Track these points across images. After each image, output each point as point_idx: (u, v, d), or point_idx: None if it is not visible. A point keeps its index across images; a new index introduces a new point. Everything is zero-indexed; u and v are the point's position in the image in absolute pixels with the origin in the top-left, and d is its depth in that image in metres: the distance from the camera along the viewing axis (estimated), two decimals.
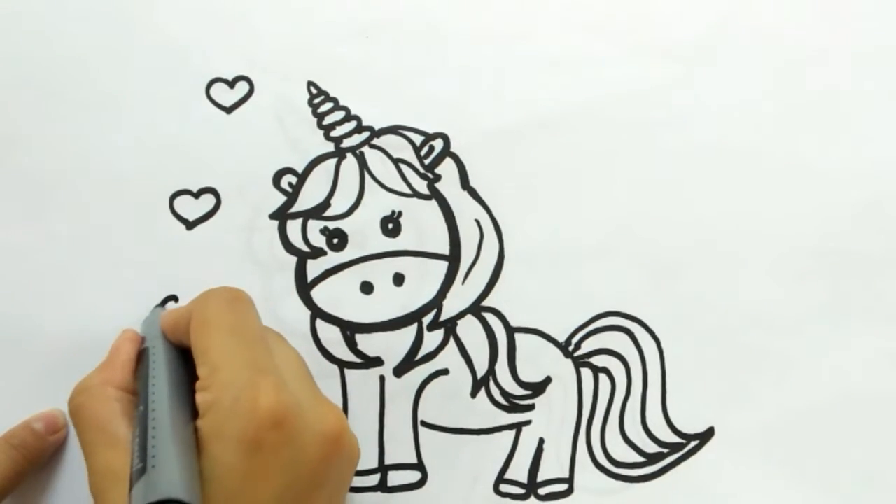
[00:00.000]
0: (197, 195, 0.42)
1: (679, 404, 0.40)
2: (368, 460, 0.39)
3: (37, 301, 0.41)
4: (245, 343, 0.31)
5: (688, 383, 0.40)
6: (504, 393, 0.40)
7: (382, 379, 0.40)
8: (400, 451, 0.39)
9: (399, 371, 0.40)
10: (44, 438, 0.39)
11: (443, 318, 0.40)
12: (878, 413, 0.40)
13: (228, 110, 0.43)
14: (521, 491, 0.39)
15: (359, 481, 0.39)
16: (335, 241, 0.41)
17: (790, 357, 0.40)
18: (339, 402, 0.40)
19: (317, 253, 0.41)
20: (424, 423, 0.39)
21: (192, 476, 0.27)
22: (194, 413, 0.30)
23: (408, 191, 0.42)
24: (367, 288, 0.41)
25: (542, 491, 0.39)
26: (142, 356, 0.35)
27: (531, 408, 0.40)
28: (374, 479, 0.39)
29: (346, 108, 0.43)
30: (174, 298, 0.41)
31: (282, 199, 0.42)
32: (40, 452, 0.38)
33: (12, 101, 0.44)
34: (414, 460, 0.39)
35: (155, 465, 0.27)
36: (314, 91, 0.43)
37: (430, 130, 0.43)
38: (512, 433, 0.40)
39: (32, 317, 0.41)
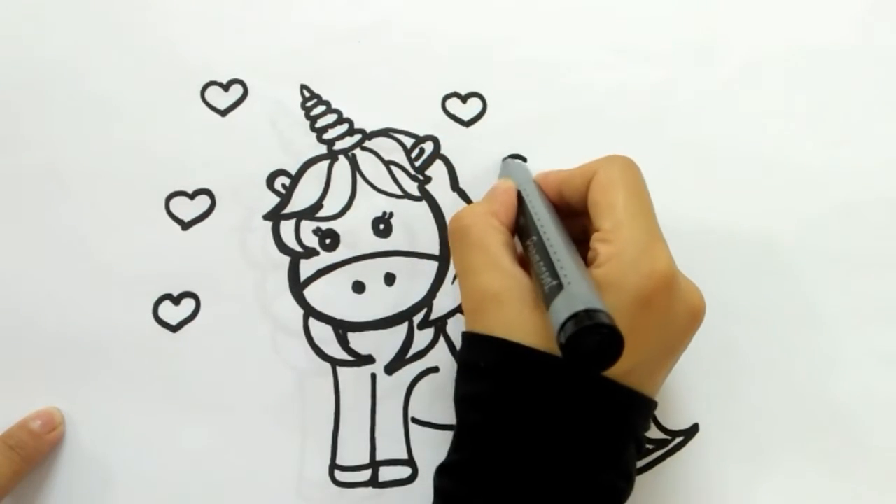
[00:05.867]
0: (192, 196, 0.43)
1: (665, 401, 0.40)
2: (360, 456, 0.40)
3: (33, 300, 0.42)
4: (646, 208, 0.33)
5: (673, 381, 0.40)
6: None
7: (374, 377, 0.40)
8: (391, 447, 0.40)
9: (390, 369, 0.40)
10: (41, 437, 0.39)
11: (433, 316, 0.41)
12: (862, 411, 0.40)
13: (223, 113, 0.44)
14: None
15: (350, 477, 0.39)
16: (328, 241, 0.42)
17: (774, 355, 0.41)
18: (331, 399, 0.40)
19: (310, 253, 0.42)
20: (415, 420, 0.40)
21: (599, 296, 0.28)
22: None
23: (399, 192, 0.42)
24: (358, 287, 0.41)
25: None
26: (523, 201, 0.36)
27: None
28: (365, 475, 0.39)
29: (338, 111, 0.44)
30: (169, 297, 0.41)
31: (275, 200, 0.42)
32: (38, 452, 0.39)
33: (10, 103, 0.44)
34: (405, 456, 0.40)
35: (570, 281, 0.28)
36: (307, 94, 0.44)
37: (421, 133, 0.43)
38: None
39: (28, 315, 0.41)
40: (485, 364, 0.32)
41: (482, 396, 0.32)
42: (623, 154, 0.35)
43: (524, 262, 0.34)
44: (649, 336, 0.30)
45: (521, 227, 0.35)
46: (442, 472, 0.33)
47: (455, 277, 0.41)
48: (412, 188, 0.42)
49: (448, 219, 0.42)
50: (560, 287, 0.28)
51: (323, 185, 0.43)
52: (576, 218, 0.35)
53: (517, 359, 0.31)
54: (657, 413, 0.40)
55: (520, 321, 0.31)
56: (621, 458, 0.32)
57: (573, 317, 0.26)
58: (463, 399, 0.33)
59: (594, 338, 0.26)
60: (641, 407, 0.32)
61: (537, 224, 0.33)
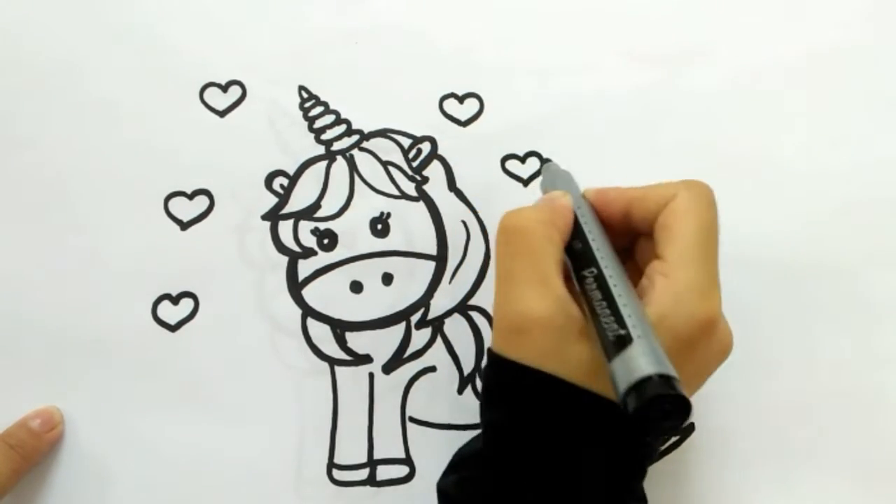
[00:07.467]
0: (191, 197, 0.43)
1: None
2: (358, 455, 0.40)
3: (33, 299, 0.42)
4: (713, 247, 0.31)
5: None
6: None
7: (371, 376, 0.41)
8: (389, 446, 0.40)
9: (388, 368, 0.41)
10: (40, 436, 0.39)
11: (430, 316, 0.41)
12: (861, 411, 0.40)
13: (221, 114, 0.44)
14: None
15: (348, 475, 0.40)
16: (325, 241, 0.42)
17: (772, 355, 0.41)
18: (329, 398, 0.40)
19: (308, 253, 0.42)
20: (412, 419, 0.40)
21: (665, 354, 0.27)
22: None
23: (396, 192, 0.43)
24: (356, 287, 0.41)
25: None
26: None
27: None
28: (363, 474, 0.40)
29: (336, 112, 0.44)
30: (168, 297, 0.42)
31: (274, 200, 0.43)
32: (37, 451, 0.39)
33: (12, 104, 0.44)
34: (402, 455, 0.40)
35: (639, 334, 0.27)
36: (305, 95, 0.44)
37: (419, 134, 0.44)
38: None
39: (28, 315, 0.42)
40: (516, 394, 0.30)
41: (506, 425, 0.31)
42: (703, 181, 0.33)
43: (569, 285, 0.31)
44: (683, 375, 0.29)
45: (574, 251, 0.32)
46: (463, 485, 0.33)
47: (453, 277, 0.42)
48: (410, 188, 0.43)
49: (445, 219, 0.42)
50: (628, 339, 0.27)
51: (321, 186, 0.43)
52: (622, 233, 0.34)
53: (552, 394, 0.29)
54: None
55: (558, 351, 0.29)
56: (639, 484, 0.32)
57: (645, 380, 0.26)
58: (489, 425, 0.32)
59: (662, 404, 0.26)
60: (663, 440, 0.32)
61: (597, 255, 0.31)
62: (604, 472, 0.30)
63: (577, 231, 0.33)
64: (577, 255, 0.32)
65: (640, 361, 0.26)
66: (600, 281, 0.30)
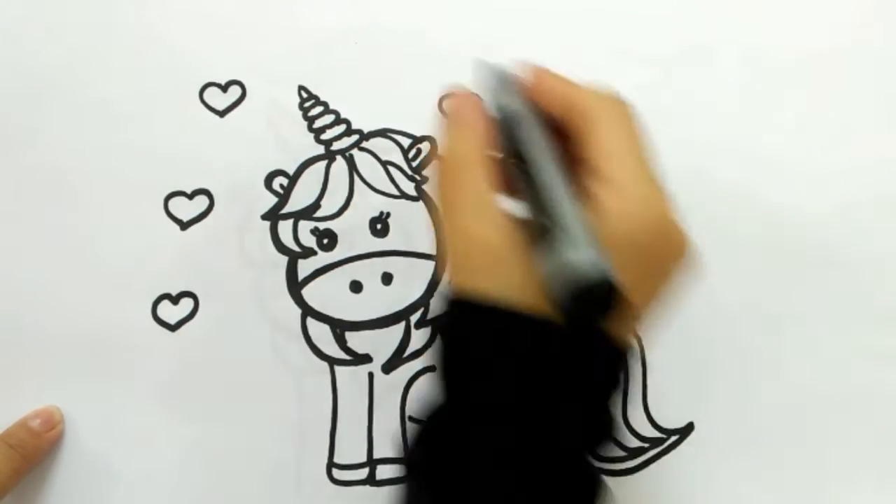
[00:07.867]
0: (191, 196, 0.43)
1: (660, 400, 0.40)
2: (357, 455, 0.40)
3: (33, 299, 0.42)
4: (645, 150, 0.30)
5: (668, 380, 0.40)
6: None
7: (371, 375, 0.41)
8: (388, 445, 0.40)
9: (387, 368, 0.41)
10: (40, 436, 0.39)
11: (430, 316, 0.41)
12: (860, 411, 0.40)
13: (221, 114, 0.44)
14: None
15: (348, 475, 0.40)
16: (325, 241, 0.42)
17: (768, 354, 0.41)
18: (328, 398, 0.40)
19: (307, 253, 0.42)
20: (412, 419, 0.40)
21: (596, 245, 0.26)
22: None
23: (396, 192, 0.43)
24: (356, 287, 0.42)
25: None
26: (505, 120, 0.32)
27: None
28: (362, 473, 0.40)
29: (335, 112, 0.44)
30: (168, 297, 0.42)
31: (273, 200, 0.43)
32: (37, 450, 0.39)
33: (12, 104, 0.45)
34: (402, 455, 0.40)
35: (569, 233, 0.26)
36: (305, 95, 0.44)
37: (418, 133, 0.44)
38: None
39: (28, 315, 0.42)
40: (468, 331, 0.29)
41: (468, 367, 0.29)
42: (618, 99, 0.32)
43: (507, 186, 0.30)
44: (641, 285, 0.28)
45: (513, 162, 0.30)
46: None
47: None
48: (409, 188, 0.43)
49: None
50: (559, 234, 0.26)
51: (321, 186, 0.43)
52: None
53: (500, 322, 0.28)
54: (653, 411, 0.40)
55: (501, 273, 0.28)
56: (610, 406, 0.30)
57: (575, 271, 0.25)
58: (451, 372, 0.30)
59: (595, 294, 0.25)
60: (629, 359, 0.30)
61: (530, 160, 0.29)
62: (576, 394, 0.28)
63: (516, 144, 0.30)
64: (516, 165, 0.30)
65: (563, 262, 0.25)
66: (535, 180, 0.29)
